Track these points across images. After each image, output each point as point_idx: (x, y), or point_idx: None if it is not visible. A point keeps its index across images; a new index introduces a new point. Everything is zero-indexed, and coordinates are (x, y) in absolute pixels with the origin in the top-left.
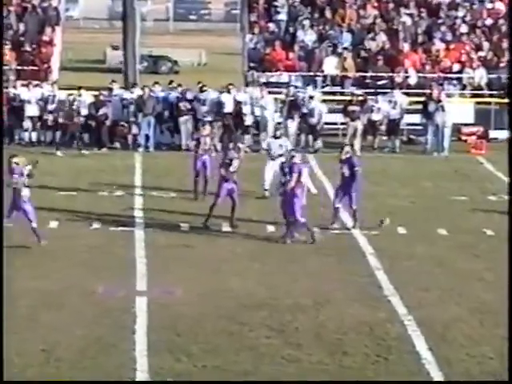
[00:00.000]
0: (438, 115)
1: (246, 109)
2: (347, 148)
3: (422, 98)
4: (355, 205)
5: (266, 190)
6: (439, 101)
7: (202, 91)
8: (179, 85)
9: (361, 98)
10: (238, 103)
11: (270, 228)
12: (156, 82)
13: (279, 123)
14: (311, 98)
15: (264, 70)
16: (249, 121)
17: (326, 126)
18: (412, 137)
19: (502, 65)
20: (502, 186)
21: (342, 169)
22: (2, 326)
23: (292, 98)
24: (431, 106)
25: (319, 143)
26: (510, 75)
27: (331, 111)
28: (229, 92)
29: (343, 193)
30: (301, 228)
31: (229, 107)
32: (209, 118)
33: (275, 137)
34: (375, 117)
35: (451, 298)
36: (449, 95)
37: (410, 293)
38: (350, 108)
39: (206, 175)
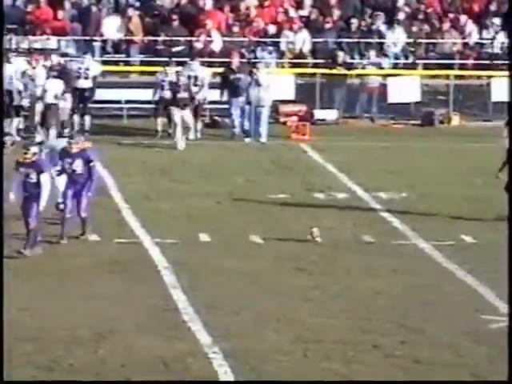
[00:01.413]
0: (252, 91)
1: (13, 85)
2: (78, 139)
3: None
4: (86, 212)
5: (59, 203)
6: (251, 72)
7: None
8: None
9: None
10: None
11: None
12: None
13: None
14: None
15: (26, 33)
16: (17, 100)
17: (108, 106)
18: (217, 118)
19: (328, 26)
20: (331, 181)
21: (73, 165)
22: (2, 326)
23: (59, 69)
24: (242, 81)
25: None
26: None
27: (113, 86)
28: None
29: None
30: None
31: None
32: None
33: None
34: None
35: (268, 324)
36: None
37: (216, 317)
38: (180, 95)
39: None
